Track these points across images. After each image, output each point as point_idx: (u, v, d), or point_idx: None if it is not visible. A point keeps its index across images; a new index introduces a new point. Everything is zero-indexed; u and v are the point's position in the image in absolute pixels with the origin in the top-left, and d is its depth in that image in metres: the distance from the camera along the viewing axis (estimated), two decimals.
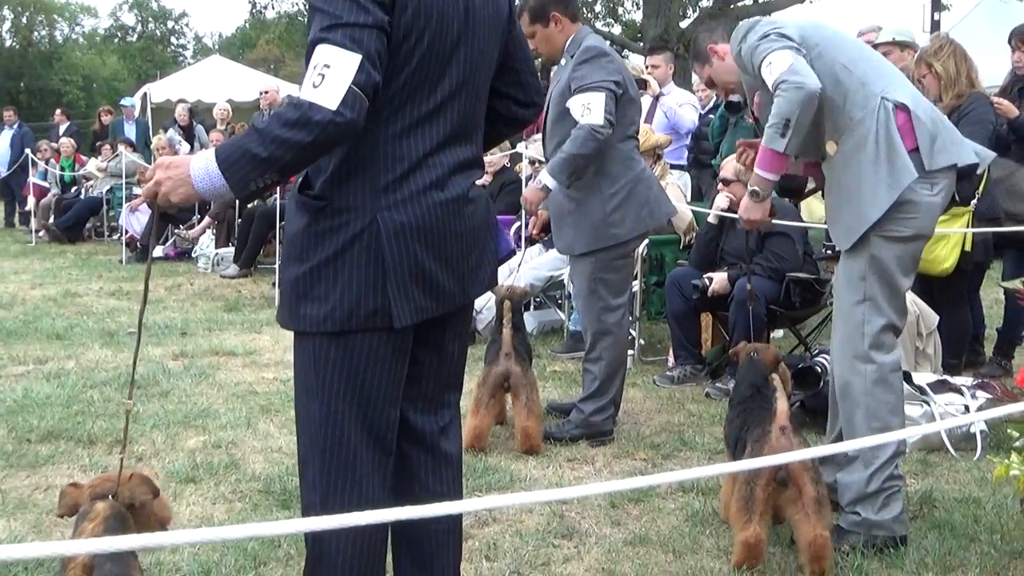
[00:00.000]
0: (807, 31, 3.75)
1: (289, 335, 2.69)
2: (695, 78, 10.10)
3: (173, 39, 74.20)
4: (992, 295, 7.66)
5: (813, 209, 6.65)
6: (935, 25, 14.42)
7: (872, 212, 3.64)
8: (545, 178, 4.93)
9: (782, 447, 3.55)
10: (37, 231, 15.38)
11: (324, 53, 2.27)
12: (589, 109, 4.82)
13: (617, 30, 23.59)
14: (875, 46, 7.37)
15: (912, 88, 3.95)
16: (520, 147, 8.62)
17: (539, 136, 6.13)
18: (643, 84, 8.22)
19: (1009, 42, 6.57)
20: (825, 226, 5.98)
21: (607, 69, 4.89)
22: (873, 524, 3.72)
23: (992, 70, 7.55)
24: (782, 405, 3.64)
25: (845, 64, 3.71)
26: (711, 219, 6.41)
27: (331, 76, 2.25)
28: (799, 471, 3.51)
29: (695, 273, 6.36)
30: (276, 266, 8.49)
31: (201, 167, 2.33)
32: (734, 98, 6.69)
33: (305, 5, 21.09)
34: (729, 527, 3.79)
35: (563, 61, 5.05)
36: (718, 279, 6.15)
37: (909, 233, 3.71)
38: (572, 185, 4.97)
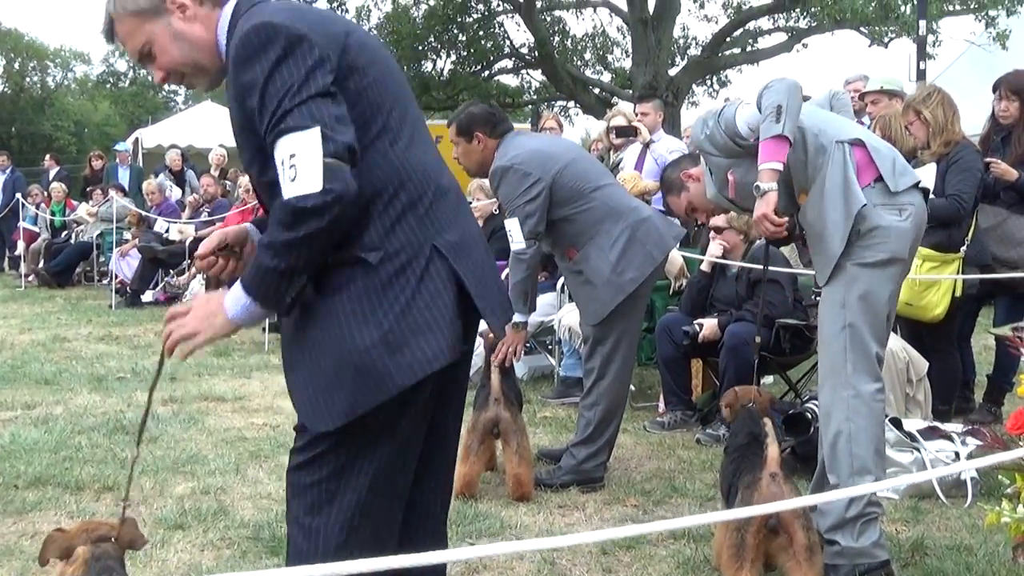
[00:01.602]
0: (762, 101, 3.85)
1: (278, 380, 2.63)
2: (683, 123, 10.19)
3: (165, 85, 74.46)
4: (982, 342, 7.69)
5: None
6: (920, 74, 14.54)
7: (835, 245, 3.77)
8: (515, 316, 4.97)
9: (772, 494, 3.54)
10: (26, 275, 15.37)
11: (284, 146, 2.23)
12: (511, 236, 5.04)
13: (607, 77, 23.76)
14: (863, 95, 7.48)
15: (860, 126, 4.07)
16: None
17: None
18: (633, 131, 8.28)
19: (995, 90, 6.61)
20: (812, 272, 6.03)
21: (517, 187, 4.98)
22: (855, 552, 3.75)
23: (976, 118, 7.61)
24: (773, 451, 3.64)
25: (802, 124, 3.80)
26: (704, 267, 6.43)
27: (301, 163, 2.21)
28: (790, 519, 3.50)
29: (685, 320, 6.37)
30: None
31: (233, 300, 2.33)
32: None
33: None
34: (721, 575, 3.77)
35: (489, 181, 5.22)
36: (708, 325, 6.15)
37: (883, 257, 3.79)
38: (574, 264, 5.09)
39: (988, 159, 6.20)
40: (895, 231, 3.79)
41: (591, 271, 5.02)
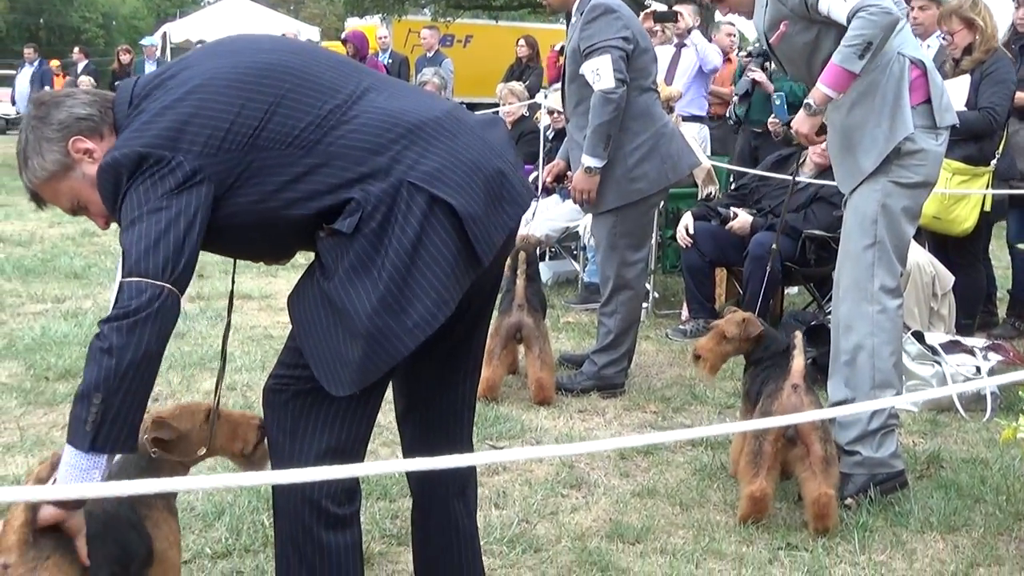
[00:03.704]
0: None
1: (281, 284, 2.59)
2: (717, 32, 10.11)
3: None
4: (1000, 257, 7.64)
5: None
6: None
7: (869, 161, 3.77)
8: (586, 160, 4.91)
9: (792, 404, 3.58)
10: None
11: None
12: (599, 75, 4.85)
13: None
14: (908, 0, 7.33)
15: (923, 50, 3.99)
16: (539, 97, 8.57)
17: (559, 85, 6.11)
18: (673, 16, 8.23)
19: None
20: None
21: (614, 27, 4.88)
22: (874, 463, 3.82)
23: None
24: (798, 363, 3.68)
25: None
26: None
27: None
28: (808, 430, 3.53)
29: (714, 225, 6.38)
30: None
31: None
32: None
33: None
34: (737, 482, 3.81)
35: (574, 19, 5.04)
36: (742, 218, 6.18)
37: (919, 179, 3.82)
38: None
39: None
40: (933, 155, 3.82)
41: (607, 164, 4.96)
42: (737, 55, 9.70)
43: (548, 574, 3.20)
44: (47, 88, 16.41)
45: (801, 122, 3.73)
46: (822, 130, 3.84)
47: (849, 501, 3.75)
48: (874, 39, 3.55)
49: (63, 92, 2.51)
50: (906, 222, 3.86)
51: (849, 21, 3.59)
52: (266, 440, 2.60)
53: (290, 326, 2.48)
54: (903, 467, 3.94)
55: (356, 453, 2.49)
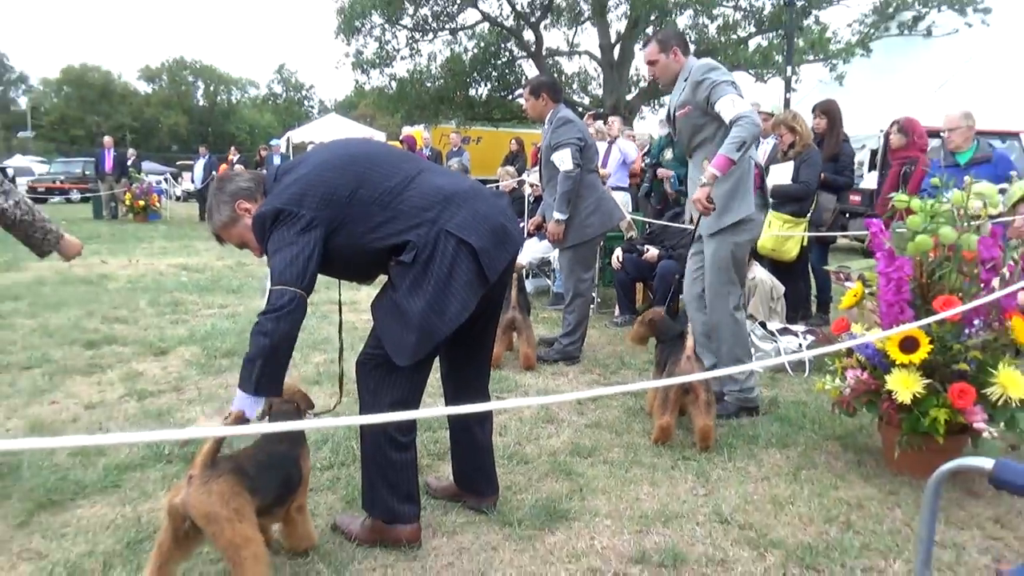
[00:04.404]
0: None
1: (375, 289, 2.59)
2: (636, 130, 10.09)
3: (306, 102, 73.80)
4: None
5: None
6: (787, 101, 14.27)
7: (726, 221, 3.80)
8: (556, 215, 4.91)
9: (689, 368, 3.58)
10: None
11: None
12: (563, 161, 4.87)
13: (587, 100, 23.30)
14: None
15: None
16: (524, 175, 8.55)
17: (537, 168, 6.12)
18: (604, 118, 8.31)
19: (812, 112, 6.57)
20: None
21: (572, 131, 4.89)
22: (741, 398, 4.01)
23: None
24: (690, 342, 3.68)
25: None
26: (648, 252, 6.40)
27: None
28: (697, 384, 3.53)
29: (635, 257, 6.39)
30: None
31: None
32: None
33: (392, 79, 20.85)
34: (651, 418, 3.81)
35: (546, 125, 5.04)
36: (652, 251, 6.25)
37: (750, 238, 3.91)
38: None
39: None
40: (759, 223, 3.93)
41: (568, 217, 4.95)
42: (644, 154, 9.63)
43: (533, 478, 3.20)
44: (214, 172, 16.40)
45: (700, 192, 3.69)
46: (710, 199, 3.81)
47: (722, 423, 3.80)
48: (748, 140, 3.55)
49: (233, 173, 2.56)
50: (743, 258, 3.96)
51: (731, 123, 3.58)
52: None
53: (368, 322, 2.49)
54: (758, 403, 4.06)
55: (414, 402, 2.49)
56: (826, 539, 2.70)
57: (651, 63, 3.97)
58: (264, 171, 2.62)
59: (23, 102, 63.38)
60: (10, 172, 25.82)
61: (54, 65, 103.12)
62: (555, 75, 21.59)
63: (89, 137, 55.15)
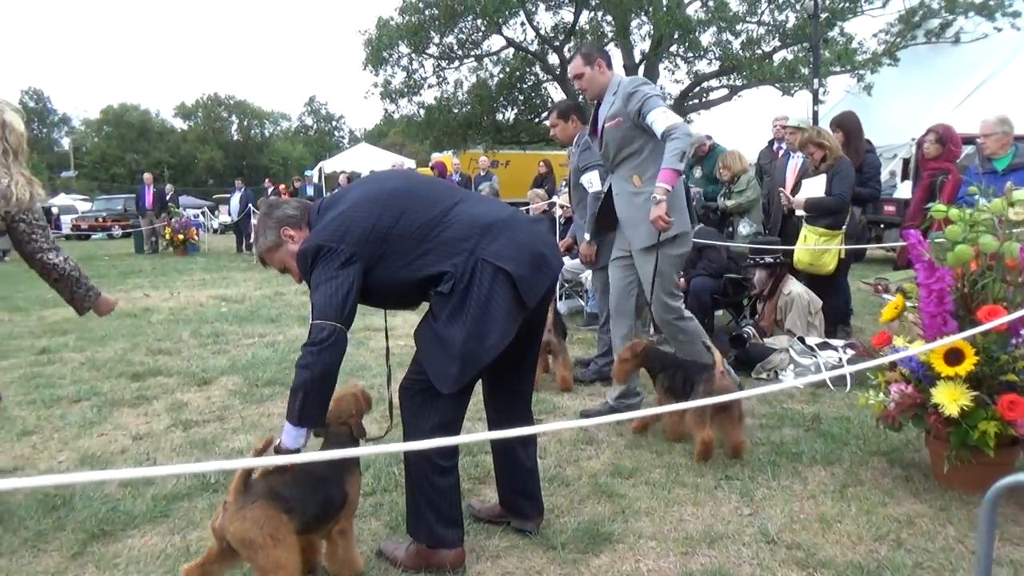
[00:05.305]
0: None
1: (412, 319, 2.64)
2: None
3: (336, 132, 75.06)
4: (854, 285, 7.51)
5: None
6: (815, 114, 14.14)
7: (665, 234, 3.77)
8: (587, 236, 4.89)
9: (725, 384, 3.56)
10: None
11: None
12: (591, 182, 4.87)
13: None
14: (784, 127, 7.31)
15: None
16: (555, 197, 8.58)
17: (566, 190, 6.14)
18: None
19: (830, 125, 6.50)
20: (746, 245, 5.91)
21: (598, 154, 4.89)
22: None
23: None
24: (718, 356, 3.66)
25: None
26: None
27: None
28: (734, 400, 3.50)
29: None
30: None
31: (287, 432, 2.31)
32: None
33: (420, 107, 21.11)
34: (673, 443, 3.79)
35: (573, 148, 5.08)
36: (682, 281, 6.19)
37: (684, 251, 3.93)
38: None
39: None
40: (689, 236, 3.96)
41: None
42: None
43: (575, 500, 3.17)
44: (250, 205, 16.72)
45: (659, 209, 3.65)
46: (669, 214, 3.73)
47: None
48: (686, 150, 3.58)
49: (281, 200, 2.64)
50: (677, 268, 3.99)
51: (664, 135, 3.60)
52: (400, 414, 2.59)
53: (405, 348, 2.52)
54: None
55: (457, 425, 2.50)
56: (877, 558, 2.63)
57: (577, 76, 3.99)
58: (316, 202, 2.68)
59: (66, 143, 65.42)
60: (54, 211, 26.60)
61: (94, 105, 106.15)
62: (581, 98, 21.71)
63: (129, 174, 56.65)
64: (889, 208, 11.30)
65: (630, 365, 3.99)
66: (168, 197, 18.48)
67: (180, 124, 67.57)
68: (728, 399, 3.28)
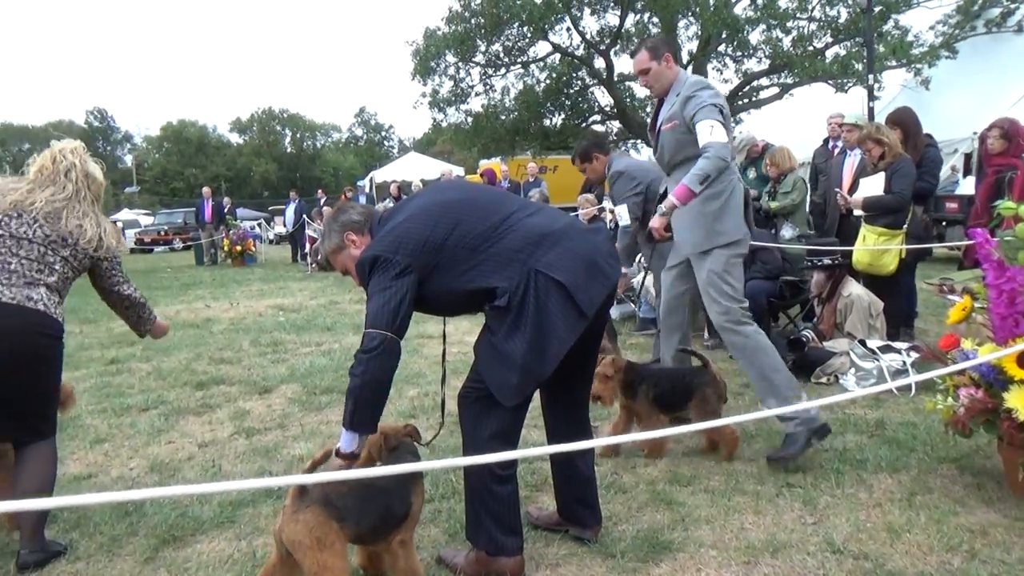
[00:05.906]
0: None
1: (464, 325, 2.65)
2: None
3: (385, 142, 76.11)
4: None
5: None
6: (870, 111, 13.75)
7: (720, 239, 3.61)
8: (624, 269, 4.90)
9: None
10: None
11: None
12: (621, 217, 4.99)
13: None
14: (840, 125, 7.15)
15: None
16: (604, 202, 8.55)
17: None
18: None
19: (885, 122, 6.30)
20: (802, 247, 5.79)
21: (628, 184, 5.02)
22: (806, 421, 3.48)
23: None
24: (713, 368, 3.79)
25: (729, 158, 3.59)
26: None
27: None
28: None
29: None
30: None
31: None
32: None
33: (468, 115, 21.26)
34: (718, 455, 3.70)
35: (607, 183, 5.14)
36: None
37: (742, 253, 3.69)
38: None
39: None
40: (745, 242, 3.71)
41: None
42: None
43: (633, 508, 3.15)
44: (304, 216, 17.06)
45: (657, 221, 3.55)
46: (668, 227, 3.65)
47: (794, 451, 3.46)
48: (712, 174, 3.41)
49: (348, 204, 2.72)
50: (740, 278, 3.73)
51: (701, 151, 3.43)
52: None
53: (459, 354, 2.53)
54: (824, 421, 3.55)
55: (515, 433, 2.51)
56: (949, 569, 2.54)
57: (643, 72, 3.71)
58: (377, 211, 2.73)
59: (128, 159, 67.83)
60: (119, 226, 27.60)
61: (154, 123, 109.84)
62: (627, 100, 21.55)
63: (188, 188, 58.41)
64: (951, 205, 10.92)
65: (615, 382, 3.76)
66: (226, 210, 18.99)
67: (236, 138, 69.46)
68: (774, 413, 3.20)
